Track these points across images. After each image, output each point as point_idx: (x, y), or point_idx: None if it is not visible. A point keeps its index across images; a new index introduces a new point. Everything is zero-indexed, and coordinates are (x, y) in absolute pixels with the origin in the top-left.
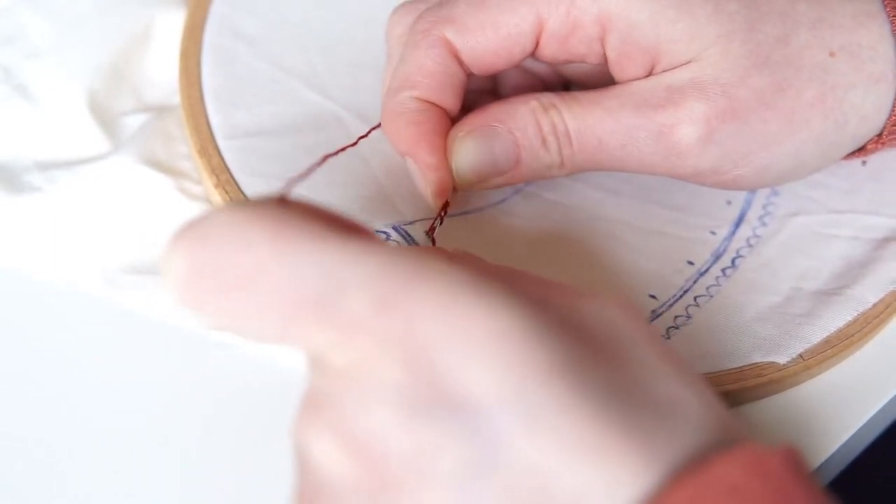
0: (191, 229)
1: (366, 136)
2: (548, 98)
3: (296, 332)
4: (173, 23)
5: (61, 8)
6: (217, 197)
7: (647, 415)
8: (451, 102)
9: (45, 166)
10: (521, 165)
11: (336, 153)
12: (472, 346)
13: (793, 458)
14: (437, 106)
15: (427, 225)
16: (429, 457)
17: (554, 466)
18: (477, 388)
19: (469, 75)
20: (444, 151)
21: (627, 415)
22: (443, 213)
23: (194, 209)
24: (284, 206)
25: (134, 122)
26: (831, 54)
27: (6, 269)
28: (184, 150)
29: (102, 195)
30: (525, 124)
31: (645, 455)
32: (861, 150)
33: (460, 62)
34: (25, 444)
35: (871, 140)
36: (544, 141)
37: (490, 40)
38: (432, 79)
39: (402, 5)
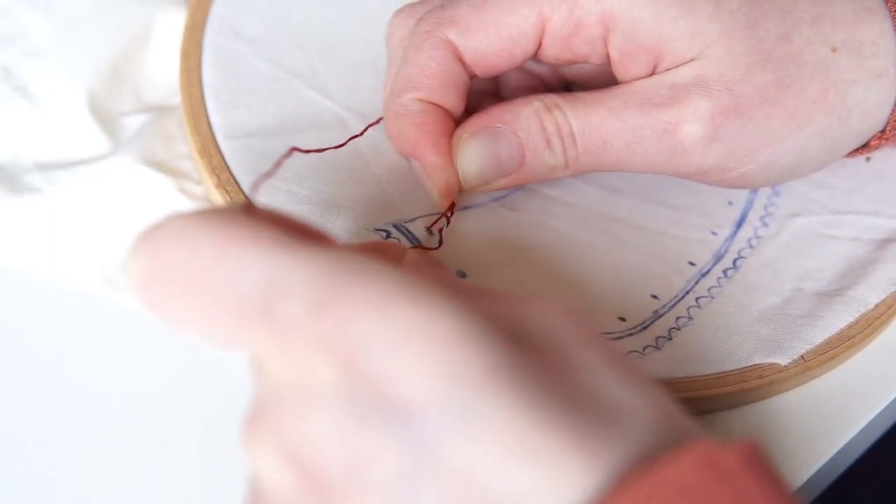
0: (147, 234)
1: (360, 135)
2: (551, 99)
3: (238, 336)
4: (173, 23)
5: (61, 8)
6: (218, 197)
7: (589, 417)
8: (455, 103)
9: (45, 167)
10: (525, 167)
11: (310, 151)
12: (406, 349)
13: (751, 456)
14: (441, 107)
15: (428, 221)
16: (364, 464)
17: (490, 471)
18: (411, 393)
19: (472, 77)
20: (450, 152)
21: (568, 418)
22: (449, 214)
23: (195, 209)
24: (244, 213)
25: (134, 122)
26: (833, 50)
27: (6, 269)
28: (184, 150)
29: (103, 195)
30: (529, 125)
31: (587, 458)
32: (864, 147)
33: (463, 63)
34: (25, 444)
35: (874, 136)
36: (548, 142)
37: (493, 41)
38: (435, 80)
39: (403, 8)
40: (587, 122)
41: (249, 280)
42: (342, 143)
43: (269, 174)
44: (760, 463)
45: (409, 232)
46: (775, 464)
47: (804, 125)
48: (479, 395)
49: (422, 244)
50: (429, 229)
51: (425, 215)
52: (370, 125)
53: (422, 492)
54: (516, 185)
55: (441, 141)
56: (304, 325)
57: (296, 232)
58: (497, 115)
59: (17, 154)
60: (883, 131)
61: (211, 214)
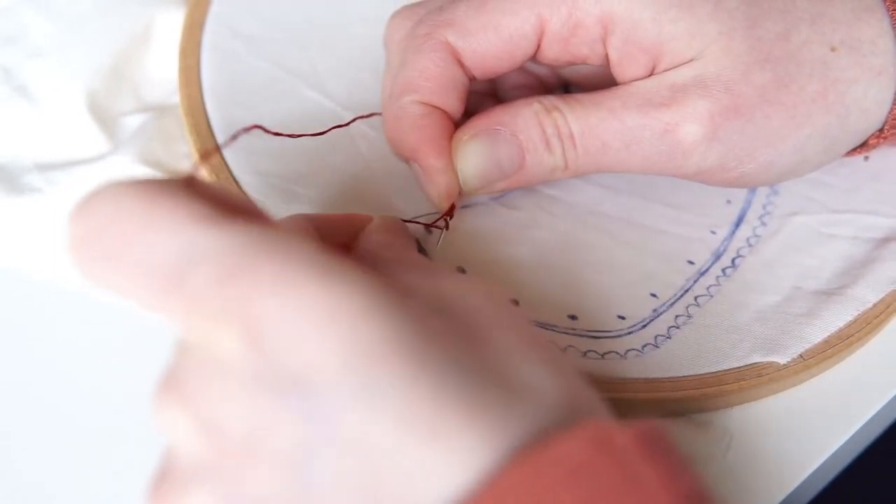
0: (83, 200)
1: (346, 125)
2: (550, 100)
3: (156, 304)
4: (173, 22)
5: (62, 8)
6: None
7: (490, 394)
8: (455, 106)
9: (44, 167)
10: (525, 169)
11: (277, 134)
12: (306, 324)
13: (648, 436)
14: (441, 109)
15: (427, 220)
16: (264, 435)
17: (384, 444)
18: (309, 366)
19: (471, 79)
20: (449, 154)
21: (467, 393)
22: (448, 217)
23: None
24: (181, 186)
25: (134, 122)
26: (832, 49)
27: (6, 269)
28: (184, 149)
29: None
30: (528, 127)
31: (484, 434)
32: (863, 146)
33: (462, 65)
34: (25, 443)
35: (872, 135)
36: (548, 143)
37: (492, 42)
38: (435, 82)
39: (401, 10)
40: (586, 124)
41: (167, 250)
42: (322, 131)
43: (224, 146)
44: (656, 442)
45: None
46: (673, 444)
47: (804, 124)
48: (375, 369)
49: (419, 243)
50: (427, 228)
51: (425, 215)
52: (359, 117)
53: (318, 462)
54: (516, 187)
55: (441, 143)
56: (208, 296)
57: (229, 209)
58: (496, 118)
59: (17, 154)
60: (881, 130)
61: (144, 185)
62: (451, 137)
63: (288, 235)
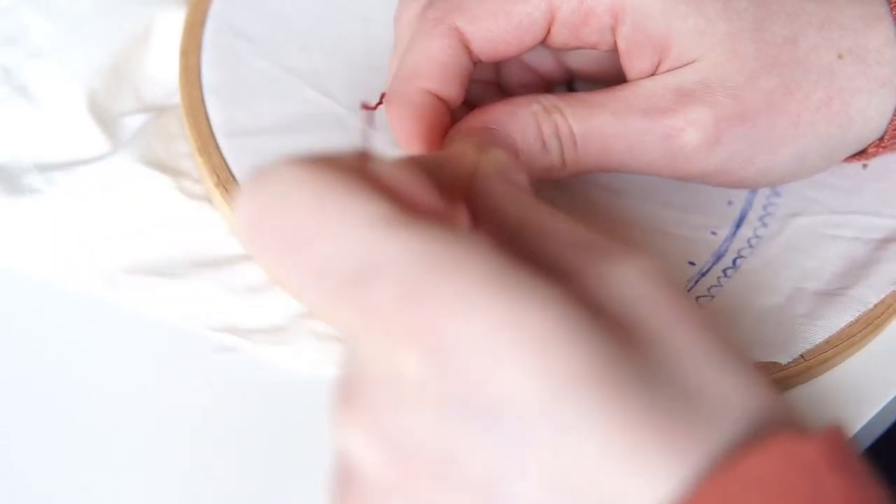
0: (256, 178)
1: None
2: (550, 100)
3: (327, 308)
4: (173, 22)
5: (62, 8)
6: (217, 196)
7: (683, 410)
8: (456, 93)
9: (44, 168)
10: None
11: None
12: (498, 347)
13: (835, 444)
14: (441, 99)
15: None
16: (456, 461)
17: (581, 475)
18: (503, 393)
19: (476, 63)
20: (440, 148)
21: (661, 412)
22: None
23: (195, 208)
24: (355, 165)
25: (134, 122)
26: (839, 57)
27: (6, 269)
28: (184, 149)
29: (102, 195)
30: (525, 128)
31: (679, 454)
32: (862, 154)
33: (469, 51)
34: (26, 445)
35: (872, 144)
36: (544, 144)
37: (501, 28)
38: (440, 70)
39: None
40: (588, 125)
41: (343, 254)
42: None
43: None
44: (843, 451)
45: None
46: (856, 449)
47: (806, 133)
48: (572, 398)
49: None
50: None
51: None
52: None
53: (513, 491)
54: None
55: (435, 137)
56: (394, 313)
57: (404, 201)
58: (493, 115)
59: (17, 154)
60: (881, 139)
61: (319, 169)
62: (446, 130)
63: (471, 244)
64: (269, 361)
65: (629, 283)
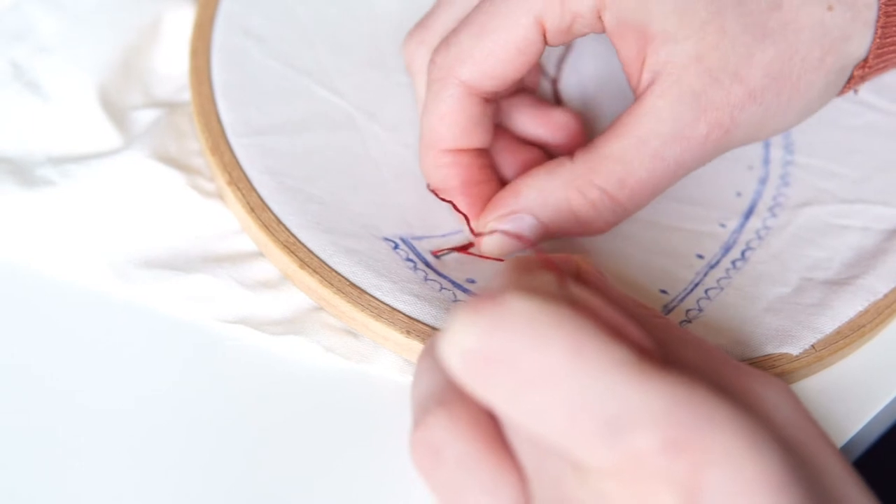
0: (488, 307)
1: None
2: (584, 179)
3: (570, 444)
4: (182, 17)
5: (71, 3)
6: (230, 193)
7: None
8: (481, 139)
9: (57, 160)
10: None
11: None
12: (747, 495)
13: None
14: (467, 151)
15: (436, 246)
16: None
17: None
18: None
19: (491, 100)
20: (478, 199)
21: None
22: (460, 249)
23: (207, 205)
24: (571, 301)
25: (144, 117)
26: (829, 8)
27: (19, 262)
28: (195, 146)
29: (115, 190)
30: (557, 213)
31: None
32: (850, 81)
33: (481, 97)
34: (35, 438)
35: (857, 66)
36: (578, 216)
37: (501, 60)
38: (456, 128)
39: (412, 33)
40: (632, 183)
41: (600, 400)
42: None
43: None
44: None
45: (415, 249)
46: None
47: (809, 89)
48: None
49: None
50: (435, 255)
51: (432, 236)
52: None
53: None
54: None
55: (470, 190)
56: (654, 461)
57: (624, 338)
58: (522, 201)
59: (30, 148)
60: (865, 60)
61: (558, 309)
62: (481, 176)
63: (714, 396)
64: (281, 353)
65: (776, 402)
